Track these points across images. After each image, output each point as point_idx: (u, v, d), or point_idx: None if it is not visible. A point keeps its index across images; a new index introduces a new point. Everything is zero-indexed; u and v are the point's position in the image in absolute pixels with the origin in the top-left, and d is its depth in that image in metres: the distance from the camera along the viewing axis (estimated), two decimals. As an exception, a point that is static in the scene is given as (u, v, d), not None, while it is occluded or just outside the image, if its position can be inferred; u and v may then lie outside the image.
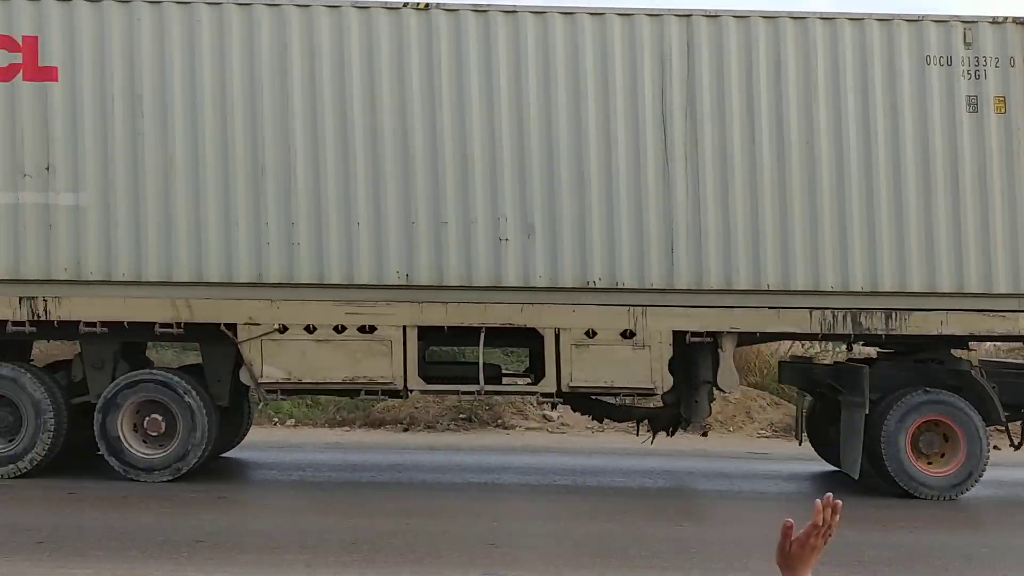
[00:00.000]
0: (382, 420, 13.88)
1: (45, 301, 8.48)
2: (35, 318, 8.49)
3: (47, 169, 8.57)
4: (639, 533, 7.23)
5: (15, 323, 8.51)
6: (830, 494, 1.98)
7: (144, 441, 8.67)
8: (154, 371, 8.90)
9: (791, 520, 1.95)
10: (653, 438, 9.89)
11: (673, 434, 9.87)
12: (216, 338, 8.88)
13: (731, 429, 13.98)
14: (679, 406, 9.20)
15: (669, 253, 8.68)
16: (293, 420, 14.28)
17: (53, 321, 8.52)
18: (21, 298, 8.48)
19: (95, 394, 8.99)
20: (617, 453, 11.60)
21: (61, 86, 8.61)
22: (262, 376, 8.54)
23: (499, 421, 13.78)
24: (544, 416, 14.05)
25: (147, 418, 8.64)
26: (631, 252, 8.68)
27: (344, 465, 10.46)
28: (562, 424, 13.88)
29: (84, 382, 9.07)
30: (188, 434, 8.57)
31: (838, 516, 1.98)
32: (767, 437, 13.65)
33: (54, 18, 8.63)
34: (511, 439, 13.01)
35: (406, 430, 13.44)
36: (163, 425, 8.64)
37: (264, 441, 12.33)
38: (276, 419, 14.27)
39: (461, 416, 13.85)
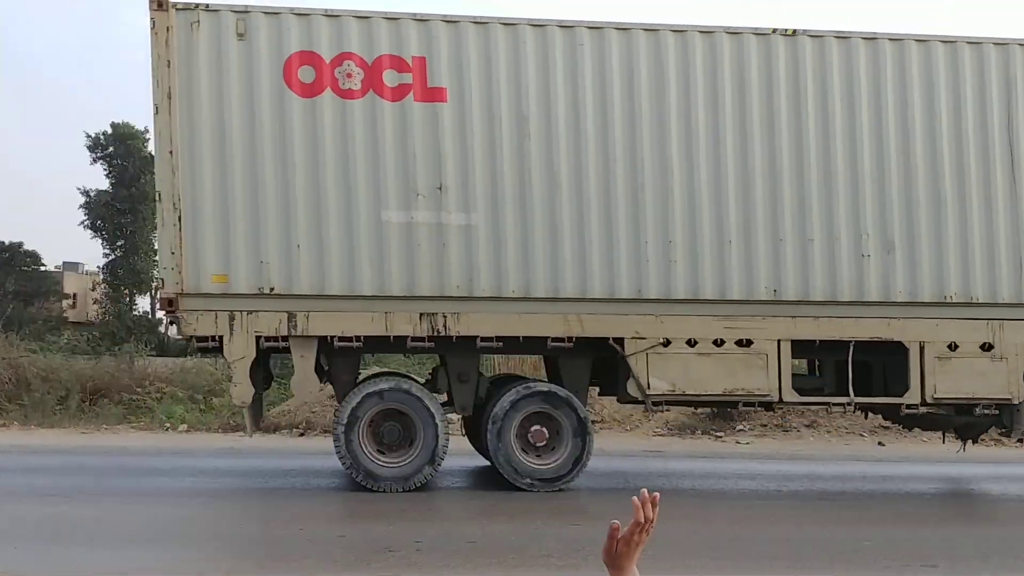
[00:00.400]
0: (277, 425, 14.17)
1: (444, 317, 8.96)
2: (434, 333, 8.97)
3: (439, 189, 9.01)
4: (536, 532, 7.54)
5: (415, 339, 8.98)
6: (645, 490, 2.04)
7: (529, 452, 9.20)
8: (539, 384, 9.41)
9: (617, 522, 2.03)
10: (964, 447, 10.71)
11: (976, 443, 10.71)
12: (573, 352, 9.43)
13: (628, 428, 14.85)
14: (998, 416, 9.99)
15: (1019, 269, 9.48)
16: (185, 425, 14.56)
17: (452, 336, 8.99)
18: (421, 314, 8.93)
19: (460, 406, 9.53)
20: None
21: (450, 106, 9.06)
22: (649, 388, 9.16)
23: None
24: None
25: (531, 429, 9.16)
26: (983, 268, 9.49)
27: (239, 470, 10.79)
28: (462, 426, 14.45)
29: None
30: (573, 444, 9.13)
31: (657, 509, 2.05)
32: (663, 435, 14.55)
33: (442, 39, 9.05)
34: None
35: (302, 435, 13.78)
36: (546, 435, 9.17)
37: (155, 447, 12.64)
38: (168, 424, 14.59)
39: None
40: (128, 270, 46.77)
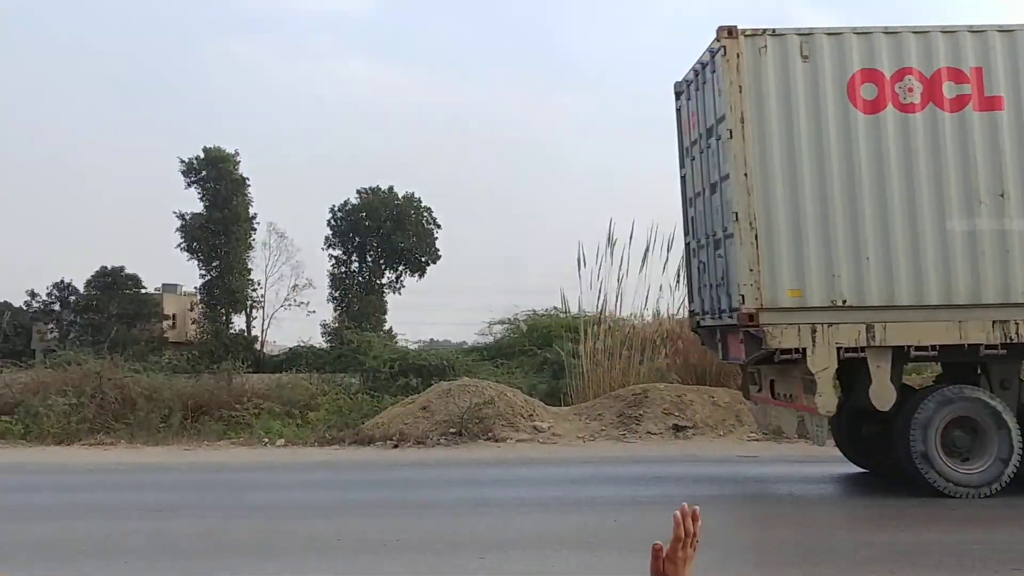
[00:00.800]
0: (371, 437, 14.63)
1: (1017, 324, 9.32)
2: (1007, 340, 9.33)
3: (1001, 196, 9.39)
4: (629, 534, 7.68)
5: (988, 347, 9.35)
6: (685, 504, 2.02)
7: None
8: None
9: (659, 543, 2.00)
10: None
11: None
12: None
13: (721, 433, 14.81)
14: None
15: None
16: (283, 440, 15.04)
17: (1024, 344, 9.36)
18: (994, 322, 9.30)
19: (1004, 412, 9.84)
20: (608, 462, 12.45)
21: (1007, 114, 9.41)
22: None
23: (489, 434, 14.57)
24: (535, 427, 14.95)
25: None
26: None
27: (335, 483, 11.30)
28: (553, 435, 14.74)
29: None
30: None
31: (700, 522, 2.01)
32: (756, 440, 14.36)
33: (997, 49, 9.51)
34: (502, 452, 13.72)
35: (396, 446, 14.19)
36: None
37: (255, 462, 13.13)
38: (266, 439, 15.12)
39: (451, 431, 14.66)
40: (224, 290, 49.57)
